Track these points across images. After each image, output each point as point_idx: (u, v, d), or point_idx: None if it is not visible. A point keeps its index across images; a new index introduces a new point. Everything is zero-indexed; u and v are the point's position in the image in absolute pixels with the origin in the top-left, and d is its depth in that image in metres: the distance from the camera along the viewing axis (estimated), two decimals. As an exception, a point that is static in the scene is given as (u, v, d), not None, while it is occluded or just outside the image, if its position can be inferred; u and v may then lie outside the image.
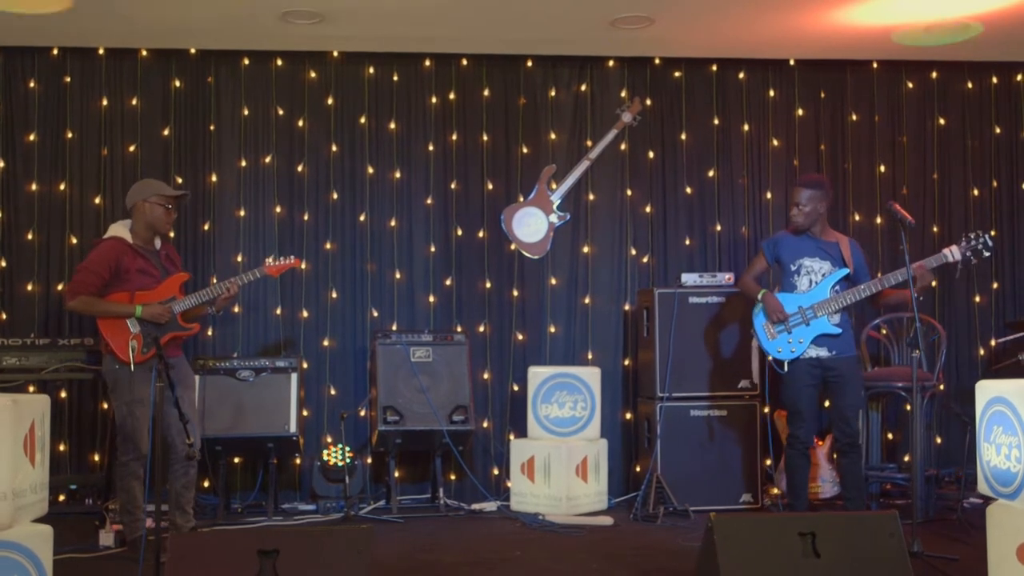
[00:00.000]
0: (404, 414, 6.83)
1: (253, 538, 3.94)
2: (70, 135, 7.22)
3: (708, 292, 6.95)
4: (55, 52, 7.23)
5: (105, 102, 7.25)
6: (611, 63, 7.62)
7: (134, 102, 7.28)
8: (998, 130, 7.81)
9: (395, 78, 7.49)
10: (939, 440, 7.49)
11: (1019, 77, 7.81)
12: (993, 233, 7.47)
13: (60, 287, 7.08)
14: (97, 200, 7.21)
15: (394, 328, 7.28)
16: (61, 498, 6.84)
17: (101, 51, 7.25)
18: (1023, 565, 4.10)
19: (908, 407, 7.39)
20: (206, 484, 7.06)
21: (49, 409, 4.27)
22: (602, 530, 6.38)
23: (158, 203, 5.74)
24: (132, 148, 7.26)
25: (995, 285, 7.71)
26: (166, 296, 5.72)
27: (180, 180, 7.16)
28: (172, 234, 6.37)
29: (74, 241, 7.16)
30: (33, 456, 4.05)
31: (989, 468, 4.35)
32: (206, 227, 7.28)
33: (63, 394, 6.97)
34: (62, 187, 7.20)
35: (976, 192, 7.77)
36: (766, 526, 4.24)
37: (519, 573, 5.32)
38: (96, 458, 7.03)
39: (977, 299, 7.68)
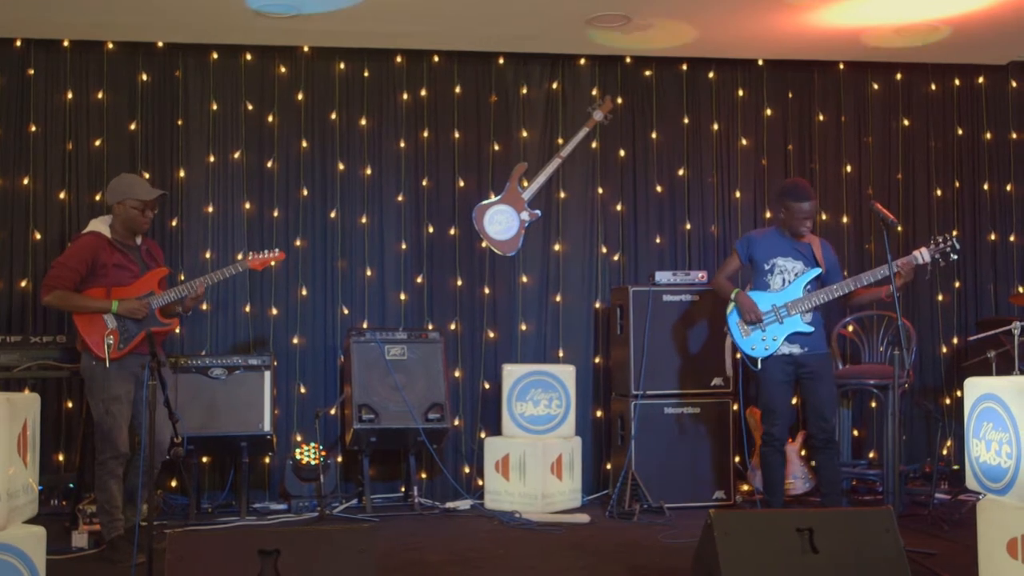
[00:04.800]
0: (380, 412, 6.77)
1: (254, 538, 3.88)
2: (34, 129, 7.07)
3: (682, 290, 6.97)
4: (18, 44, 7.08)
5: (70, 95, 7.11)
6: (582, 61, 7.63)
7: (100, 96, 7.15)
8: (960, 131, 7.93)
9: (366, 74, 7.43)
10: (902, 436, 7.59)
11: (980, 79, 7.94)
12: (956, 232, 7.63)
13: (24, 284, 6.95)
14: (62, 195, 7.06)
15: (365, 326, 7.22)
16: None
17: (66, 43, 7.10)
18: (1013, 559, 4.17)
19: (874, 404, 7.50)
20: (173, 484, 6.98)
21: (39, 408, 4.18)
22: (580, 528, 6.37)
23: (133, 206, 5.65)
24: (98, 143, 7.12)
25: (957, 284, 7.84)
26: (143, 291, 5.63)
27: (147, 175, 7.00)
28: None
29: (38, 237, 7.01)
30: (26, 456, 3.97)
31: (978, 464, 4.41)
32: (174, 223, 7.17)
33: (26, 392, 6.79)
34: (25, 182, 7.04)
35: (939, 192, 7.89)
36: (764, 522, 4.26)
37: (508, 572, 5.30)
38: (61, 458, 6.90)
39: (940, 298, 7.81)
